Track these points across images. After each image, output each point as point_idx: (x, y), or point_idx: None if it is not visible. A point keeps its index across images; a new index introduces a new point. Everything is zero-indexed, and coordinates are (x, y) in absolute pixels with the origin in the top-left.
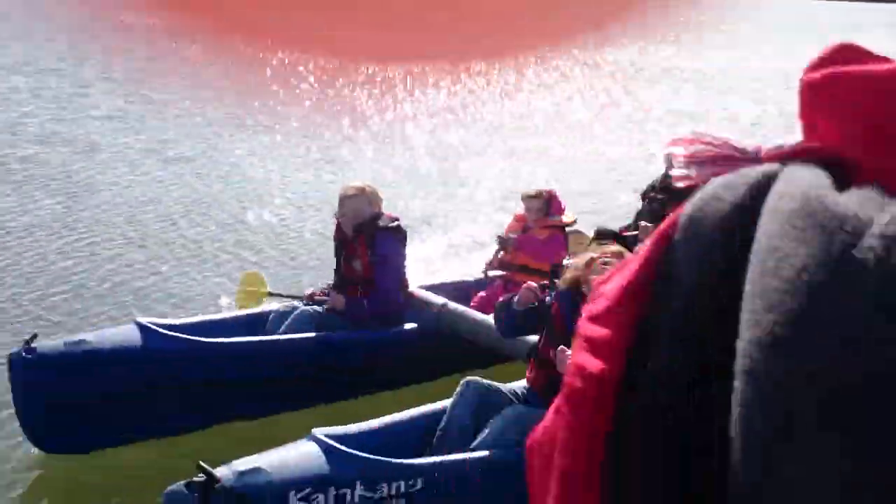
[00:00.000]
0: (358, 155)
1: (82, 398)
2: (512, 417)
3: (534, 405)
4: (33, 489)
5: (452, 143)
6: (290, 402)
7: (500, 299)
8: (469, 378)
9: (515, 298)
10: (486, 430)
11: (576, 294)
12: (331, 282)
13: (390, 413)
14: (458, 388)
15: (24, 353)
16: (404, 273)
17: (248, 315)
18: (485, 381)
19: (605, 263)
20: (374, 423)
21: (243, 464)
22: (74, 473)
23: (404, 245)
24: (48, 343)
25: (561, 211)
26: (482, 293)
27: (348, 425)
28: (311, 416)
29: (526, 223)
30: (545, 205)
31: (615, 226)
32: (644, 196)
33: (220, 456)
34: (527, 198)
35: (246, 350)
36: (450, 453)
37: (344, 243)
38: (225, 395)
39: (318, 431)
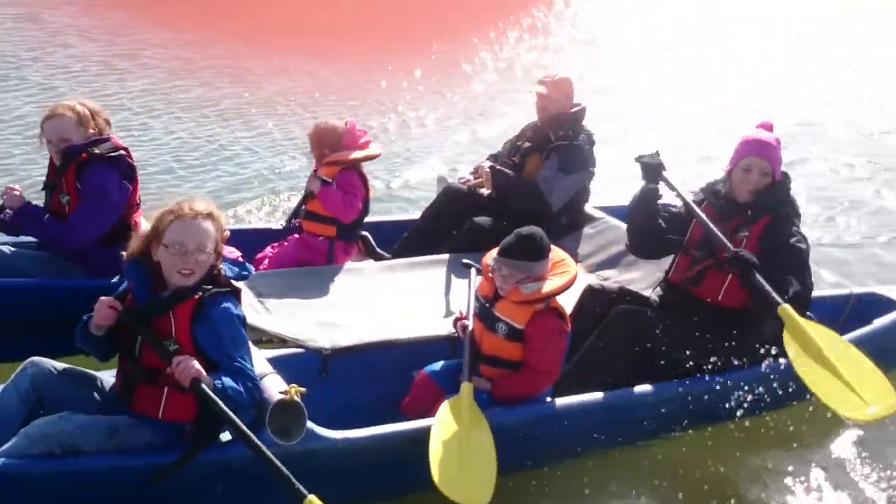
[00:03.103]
0: None
1: None
2: (39, 431)
3: (117, 411)
4: None
5: None
6: None
7: None
8: (37, 358)
9: None
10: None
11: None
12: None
13: None
14: (18, 370)
15: None
16: (115, 213)
17: None
18: (56, 363)
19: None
20: None
21: None
22: None
23: (123, 179)
24: None
25: (354, 145)
26: (279, 244)
27: None
28: None
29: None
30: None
31: None
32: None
33: None
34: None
35: None
36: None
37: (52, 172)
38: None
39: None
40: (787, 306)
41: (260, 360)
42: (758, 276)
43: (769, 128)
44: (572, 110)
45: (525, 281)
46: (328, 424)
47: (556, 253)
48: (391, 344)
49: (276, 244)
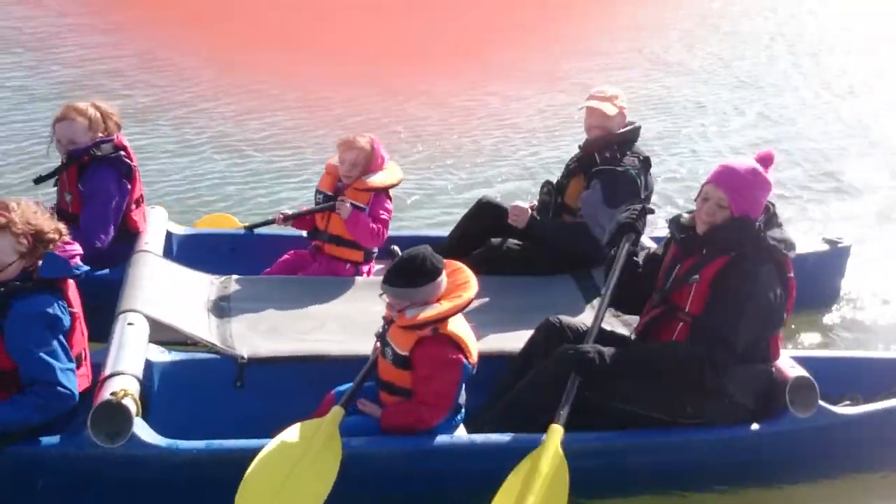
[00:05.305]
0: None
1: None
2: None
3: None
4: None
5: None
6: None
7: None
8: None
9: None
10: None
11: None
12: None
13: None
14: None
15: None
16: (118, 212)
17: None
18: None
19: None
20: None
21: None
22: None
23: (123, 179)
24: None
25: (379, 166)
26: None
27: None
28: None
29: (337, 180)
30: (366, 158)
31: None
32: None
33: None
34: (344, 147)
35: None
36: None
37: (60, 172)
38: None
39: None
40: (558, 427)
41: (132, 359)
42: (574, 379)
43: (766, 159)
44: (621, 129)
45: (410, 306)
46: (233, 437)
47: (461, 275)
48: (313, 358)
49: (293, 252)
